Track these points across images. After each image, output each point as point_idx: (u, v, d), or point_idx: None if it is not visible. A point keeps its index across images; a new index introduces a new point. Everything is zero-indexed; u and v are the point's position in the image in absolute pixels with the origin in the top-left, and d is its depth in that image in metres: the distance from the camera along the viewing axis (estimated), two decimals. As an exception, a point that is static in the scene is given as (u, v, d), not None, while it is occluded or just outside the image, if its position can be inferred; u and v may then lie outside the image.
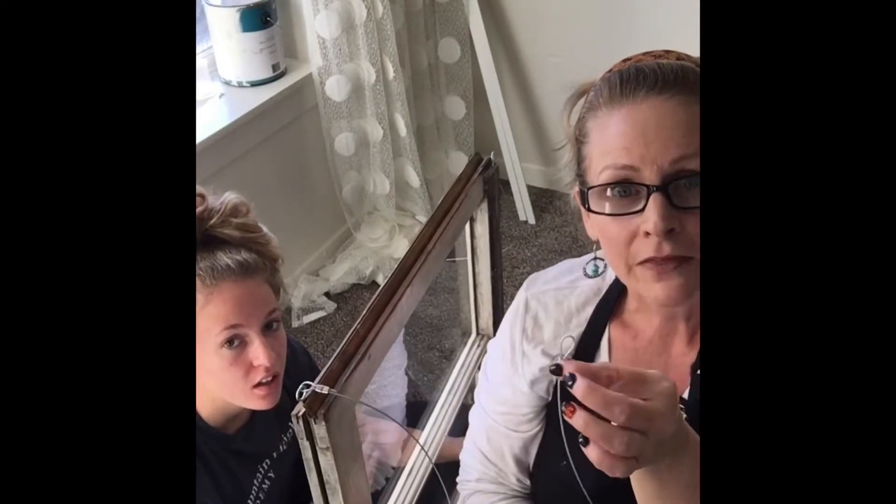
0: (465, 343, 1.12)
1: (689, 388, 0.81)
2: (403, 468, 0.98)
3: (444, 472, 0.94)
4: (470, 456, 0.95)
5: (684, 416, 0.82)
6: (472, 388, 1.02)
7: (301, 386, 0.62)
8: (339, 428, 0.64)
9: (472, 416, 0.95)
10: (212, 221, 0.98)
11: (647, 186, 0.68)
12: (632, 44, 2.35)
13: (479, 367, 0.98)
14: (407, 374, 1.47)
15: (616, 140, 0.70)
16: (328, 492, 0.68)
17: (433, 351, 2.08)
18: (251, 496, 1.13)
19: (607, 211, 0.71)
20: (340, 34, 2.01)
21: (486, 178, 0.90)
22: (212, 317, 0.96)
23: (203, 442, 1.05)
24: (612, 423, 0.58)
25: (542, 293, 0.88)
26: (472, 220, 0.95)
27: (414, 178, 2.32)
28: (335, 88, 2.06)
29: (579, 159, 0.76)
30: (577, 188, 0.79)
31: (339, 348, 0.66)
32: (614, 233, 0.72)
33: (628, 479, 0.87)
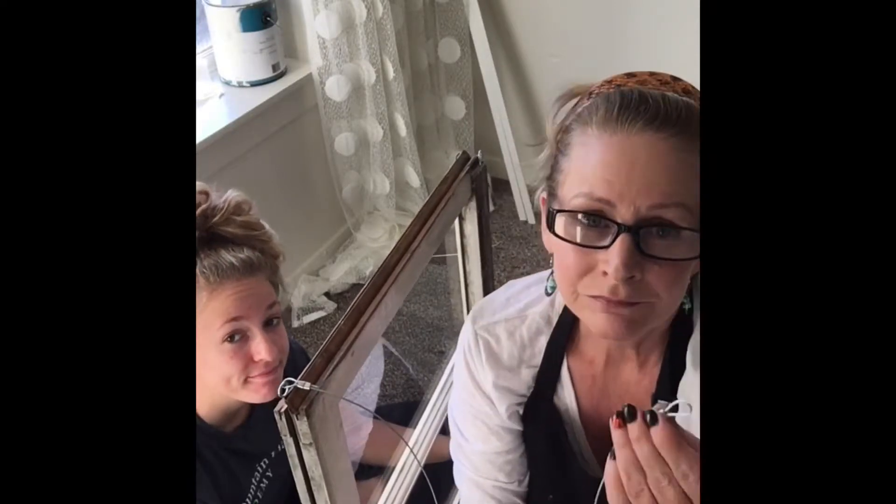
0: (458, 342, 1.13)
1: None
2: (395, 467, 0.99)
3: (436, 472, 0.94)
4: None
5: None
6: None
7: (283, 382, 0.63)
8: (322, 424, 0.64)
9: (465, 487, 0.92)
10: (215, 219, 0.99)
11: (618, 224, 0.65)
12: (631, 44, 2.36)
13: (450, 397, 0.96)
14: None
15: (599, 169, 0.66)
16: (313, 488, 0.68)
17: (433, 352, 2.08)
18: (249, 495, 1.14)
19: (571, 238, 0.68)
20: (340, 34, 2.01)
21: (474, 176, 0.90)
22: (214, 312, 0.97)
23: (202, 441, 1.06)
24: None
25: (491, 325, 0.85)
26: (462, 219, 0.95)
27: (414, 178, 2.32)
28: (335, 88, 2.07)
29: (554, 168, 0.72)
30: (544, 193, 0.75)
31: (322, 345, 0.66)
32: (571, 261, 0.68)
33: None
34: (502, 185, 2.52)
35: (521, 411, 0.85)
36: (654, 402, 0.79)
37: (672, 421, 0.60)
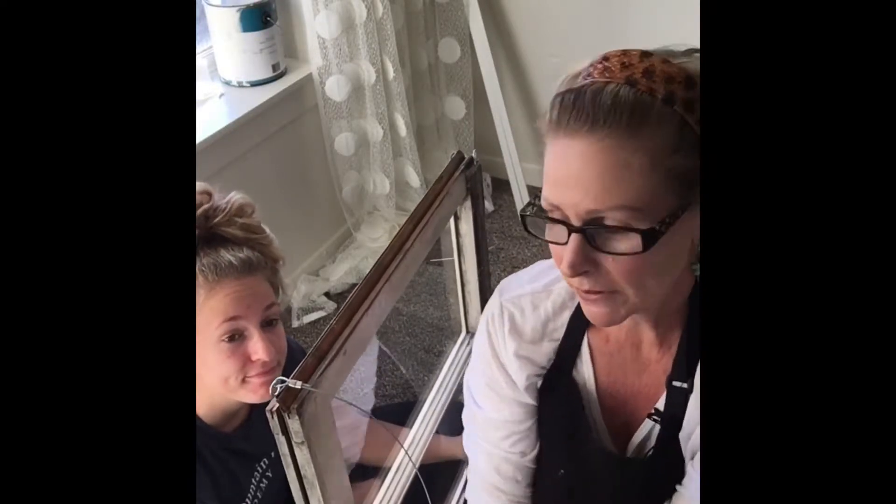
0: (455, 342, 1.13)
1: (664, 398, 0.81)
2: (390, 467, 0.98)
3: (432, 472, 0.94)
4: (484, 493, 0.93)
5: (658, 427, 0.82)
6: (460, 387, 1.02)
7: (275, 381, 0.63)
8: (314, 422, 0.64)
9: (472, 452, 0.94)
10: (217, 219, 0.99)
11: (569, 225, 0.68)
12: (632, 44, 2.35)
13: (468, 366, 0.98)
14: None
15: (549, 174, 0.70)
16: (306, 486, 0.68)
17: (433, 352, 2.08)
18: (249, 495, 1.14)
19: (541, 236, 0.72)
20: (340, 34, 2.01)
21: (469, 175, 0.90)
22: (212, 311, 0.97)
23: (201, 441, 1.06)
24: None
25: (517, 298, 0.87)
26: (457, 219, 0.95)
27: (414, 178, 2.33)
28: (335, 88, 2.07)
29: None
30: None
31: (314, 345, 0.67)
32: (554, 255, 0.73)
33: (625, 489, 0.87)
34: (502, 185, 2.52)
35: (539, 384, 0.87)
36: (668, 384, 0.79)
37: None
